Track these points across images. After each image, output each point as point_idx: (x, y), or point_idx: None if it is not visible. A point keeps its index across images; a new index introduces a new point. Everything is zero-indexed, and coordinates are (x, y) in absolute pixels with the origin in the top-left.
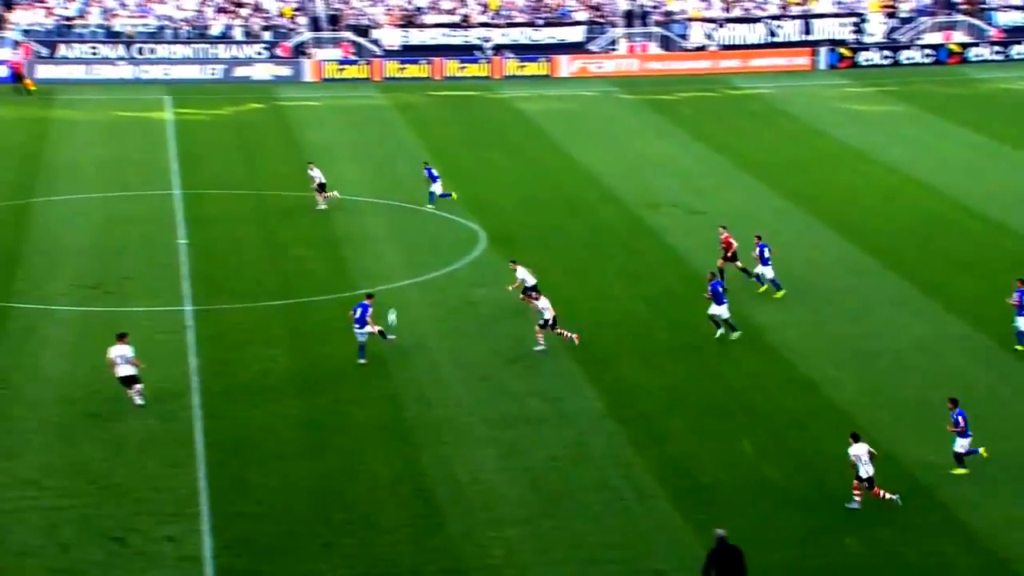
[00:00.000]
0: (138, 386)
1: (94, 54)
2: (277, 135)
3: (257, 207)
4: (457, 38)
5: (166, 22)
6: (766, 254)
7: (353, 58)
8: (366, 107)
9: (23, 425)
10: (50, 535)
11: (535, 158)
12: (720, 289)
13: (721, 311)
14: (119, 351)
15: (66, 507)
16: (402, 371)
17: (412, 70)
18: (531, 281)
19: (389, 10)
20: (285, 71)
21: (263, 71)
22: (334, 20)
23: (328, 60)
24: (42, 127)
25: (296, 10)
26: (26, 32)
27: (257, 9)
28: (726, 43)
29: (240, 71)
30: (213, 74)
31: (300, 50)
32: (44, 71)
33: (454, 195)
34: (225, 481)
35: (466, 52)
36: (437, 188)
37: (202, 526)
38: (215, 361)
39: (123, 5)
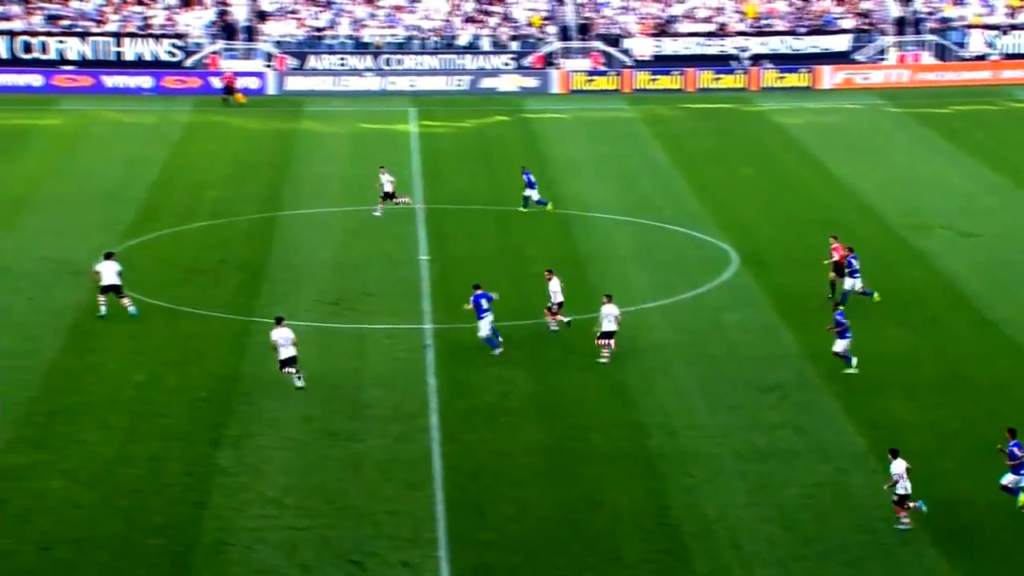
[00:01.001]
0: (295, 368)
1: (342, 65)
2: (522, 149)
3: (500, 223)
4: (712, 47)
5: (414, 32)
6: (855, 265)
7: (603, 69)
8: (614, 120)
9: (265, 442)
10: (291, 556)
11: (792, 174)
12: (845, 320)
13: (843, 345)
14: (280, 334)
15: (306, 527)
16: (646, 398)
17: (664, 81)
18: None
19: (642, 19)
20: (532, 82)
21: (509, 82)
22: (584, 29)
23: (576, 71)
24: (289, 140)
25: (545, 19)
26: (278, 44)
27: (506, 19)
28: (1010, 52)
29: (486, 82)
30: (459, 85)
31: (548, 61)
32: (293, 83)
33: (550, 207)
34: (462, 506)
35: (721, 62)
36: (534, 194)
37: (439, 552)
38: (454, 382)
39: (372, 16)
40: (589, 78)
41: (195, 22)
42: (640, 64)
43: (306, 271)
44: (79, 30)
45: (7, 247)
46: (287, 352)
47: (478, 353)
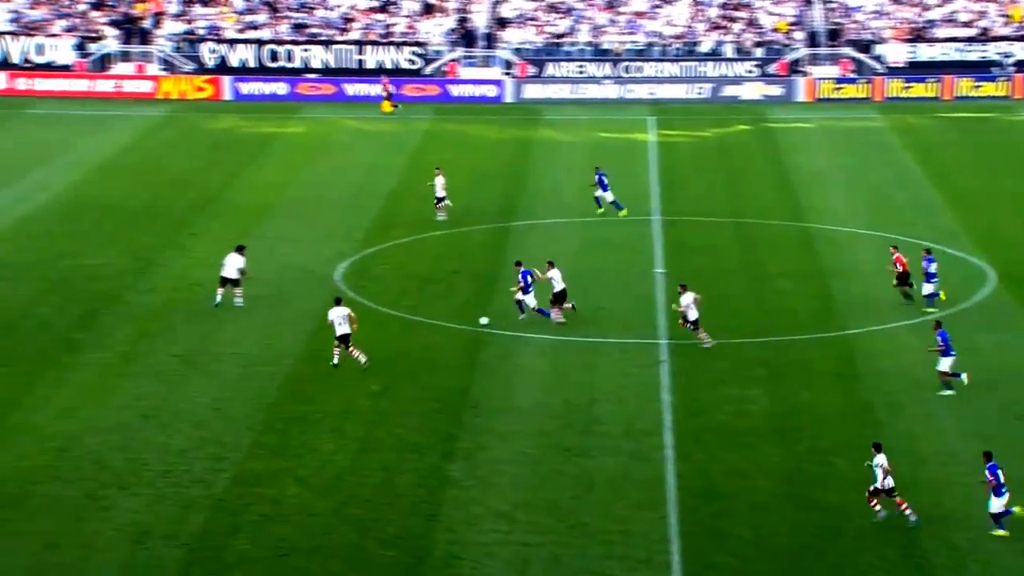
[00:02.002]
0: (349, 346)
1: (580, 73)
2: (764, 159)
3: (740, 236)
4: (972, 53)
5: (655, 39)
6: (932, 269)
7: (852, 76)
8: (863, 129)
9: (496, 455)
10: (521, 572)
11: None
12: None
13: (947, 363)
14: (337, 312)
15: (536, 544)
16: (893, 421)
17: (918, 89)
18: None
19: (896, 24)
20: (776, 90)
21: (752, 90)
22: (833, 35)
23: (824, 78)
24: (526, 149)
25: (792, 25)
26: (516, 51)
27: (751, 24)
28: None
29: (728, 90)
30: (700, 93)
31: (794, 68)
32: (531, 91)
33: (623, 211)
34: (697, 529)
35: (982, 69)
36: (608, 195)
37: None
38: (689, 399)
39: (613, 22)
40: (837, 86)
41: (435, 30)
42: (893, 71)
43: (539, 283)
44: (323, 38)
45: (249, 255)
46: (342, 330)
47: (713, 370)
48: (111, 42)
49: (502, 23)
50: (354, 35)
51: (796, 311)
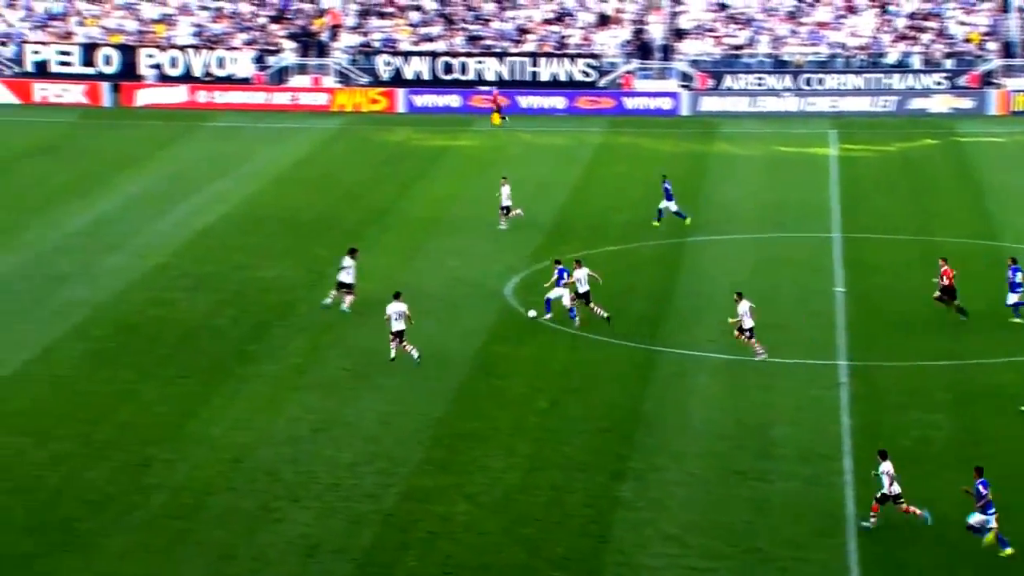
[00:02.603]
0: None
1: (759, 85)
2: (952, 175)
3: (926, 254)
4: None
5: (838, 50)
6: (1018, 279)
7: None
8: None
9: (667, 476)
10: None
11: None
12: None
13: None
14: (395, 308)
15: (708, 569)
16: None
17: None
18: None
19: None
20: (967, 103)
21: (941, 103)
22: None
23: (1019, 91)
24: (701, 162)
25: (985, 35)
26: (693, 63)
27: (940, 35)
28: None
29: (915, 103)
30: (884, 106)
31: (987, 79)
32: (707, 103)
33: (688, 220)
34: (879, 559)
35: None
36: (671, 206)
37: None
38: (869, 423)
39: (794, 33)
40: None
41: (610, 41)
42: None
43: (714, 300)
44: (498, 50)
45: (420, 268)
46: (397, 326)
47: (895, 393)
48: (289, 55)
49: (679, 34)
50: (528, 47)
51: (986, 333)
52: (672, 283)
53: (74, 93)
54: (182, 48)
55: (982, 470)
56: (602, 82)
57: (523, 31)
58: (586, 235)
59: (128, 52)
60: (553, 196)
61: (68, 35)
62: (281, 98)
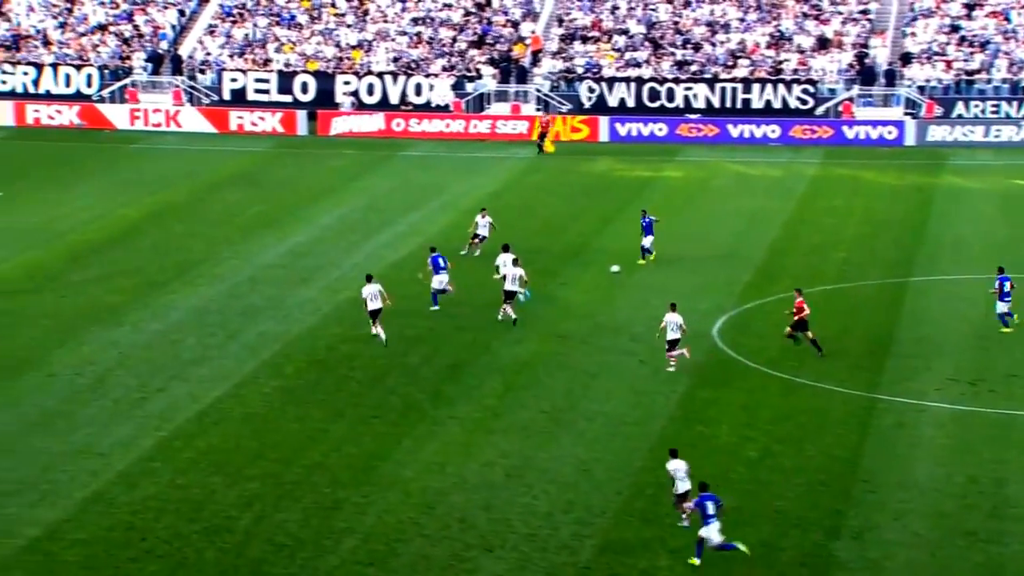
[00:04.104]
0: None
1: (995, 113)
2: None
3: None
4: None
5: None
6: (1007, 288)
7: None
8: None
9: (888, 536)
10: None
11: None
12: None
13: None
14: (370, 290)
15: None
16: None
17: None
18: None
19: None
20: None
21: None
22: None
23: None
24: (927, 196)
25: None
26: (921, 89)
27: None
28: None
29: None
30: None
31: None
32: (936, 132)
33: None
34: None
35: None
36: (646, 242)
37: None
38: None
39: None
40: None
41: (830, 66)
42: None
43: (940, 345)
44: (707, 76)
45: (620, 305)
46: (374, 305)
47: None
48: (489, 81)
49: (906, 59)
50: (741, 72)
51: None
52: (893, 326)
53: (270, 121)
54: (379, 75)
55: (706, 485)
56: (820, 110)
57: (735, 55)
58: (800, 273)
59: (325, 79)
60: (764, 231)
61: (266, 62)
62: (480, 126)
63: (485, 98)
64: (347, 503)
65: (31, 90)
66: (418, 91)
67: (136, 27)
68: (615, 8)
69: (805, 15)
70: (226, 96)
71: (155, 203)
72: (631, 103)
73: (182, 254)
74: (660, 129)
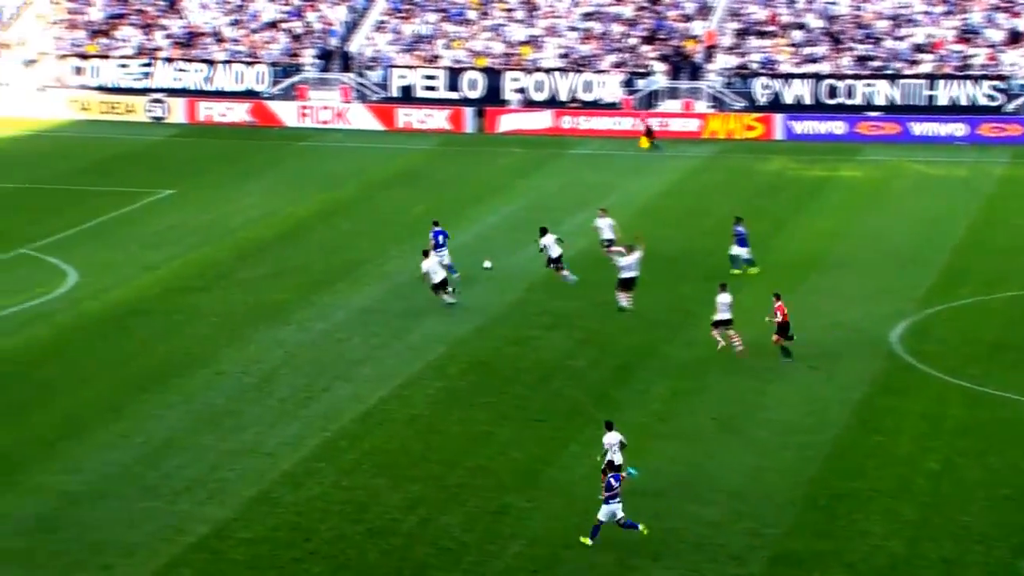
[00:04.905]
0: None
1: None
2: None
3: None
4: None
5: None
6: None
7: None
8: None
9: None
10: None
11: None
12: None
13: None
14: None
15: None
16: None
17: None
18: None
19: None
20: None
21: None
22: None
23: None
24: None
25: None
26: None
27: None
28: None
29: None
30: None
31: None
32: None
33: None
34: None
35: None
36: (744, 252)
37: None
38: None
39: None
40: None
41: (1022, 61)
42: None
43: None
44: (889, 72)
45: (794, 310)
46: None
47: None
48: (660, 78)
49: None
50: (925, 68)
51: None
52: None
53: (437, 119)
54: (548, 71)
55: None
56: (1010, 107)
57: (919, 50)
58: (986, 277)
59: (493, 76)
60: (947, 233)
61: (434, 59)
62: (650, 124)
63: (655, 95)
64: (512, 508)
65: (204, 87)
66: (587, 88)
67: (307, 24)
68: (792, 1)
69: (996, 8)
70: (394, 93)
71: (323, 201)
72: (808, 100)
73: (349, 253)
74: (838, 127)
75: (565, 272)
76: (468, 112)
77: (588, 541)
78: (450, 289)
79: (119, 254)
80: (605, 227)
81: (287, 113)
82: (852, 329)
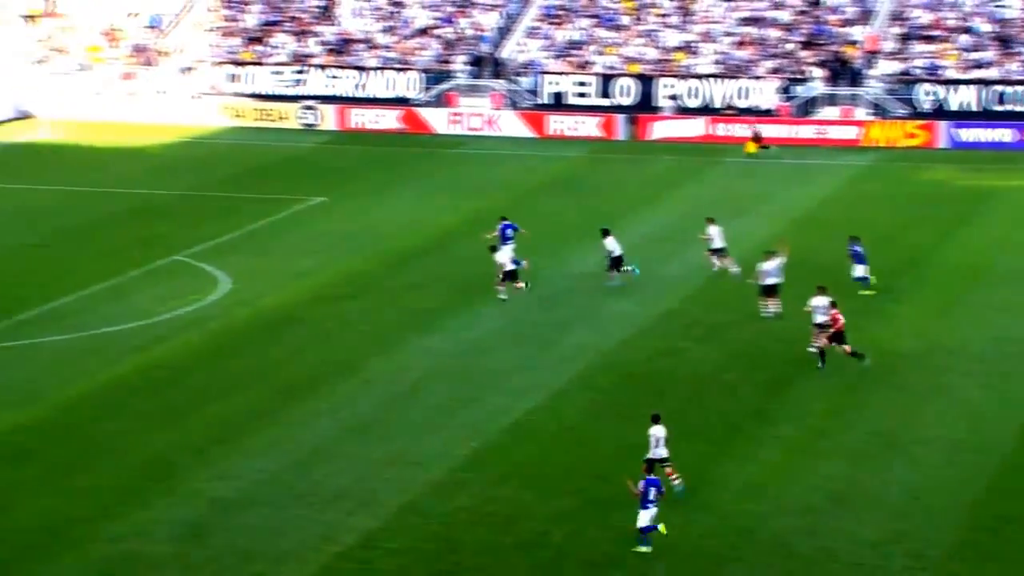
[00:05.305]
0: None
1: None
2: None
3: None
4: None
5: None
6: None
7: None
8: None
9: None
10: None
11: None
12: None
13: None
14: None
15: None
16: None
17: None
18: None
19: None
20: None
21: None
22: None
23: None
24: None
25: None
26: None
27: None
28: None
29: None
30: None
31: None
32: None
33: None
34: None
35: None
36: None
37: None
38: None
39: None
40: None
41: None
42: None
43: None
44: None
45: (958, 324)
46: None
47: None
48: (818, 84)
49: None
50: None
51: None
52: None
53: (588, 126)
54: (702, 77)
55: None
56: None
57: None
58: None
59: (646, 82)
60: None
61: (586, 65)
62: (806, 131)
63: (813, 102)
64: (663, 524)
65: (355, 94)
66: (743, 94)
67: (458, 29)
68: (959, 5)
69: None
70: (545, 100)
71: (472, 209)
72: (974, 107)
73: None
74: (1006, 135)
75: (628, 269)
76: (620, 119)
77: (645, 549)
78: (520, 284)
79: (270, 261)
80: (716, 235)
81: (438, 120)
82: (1021, 343)
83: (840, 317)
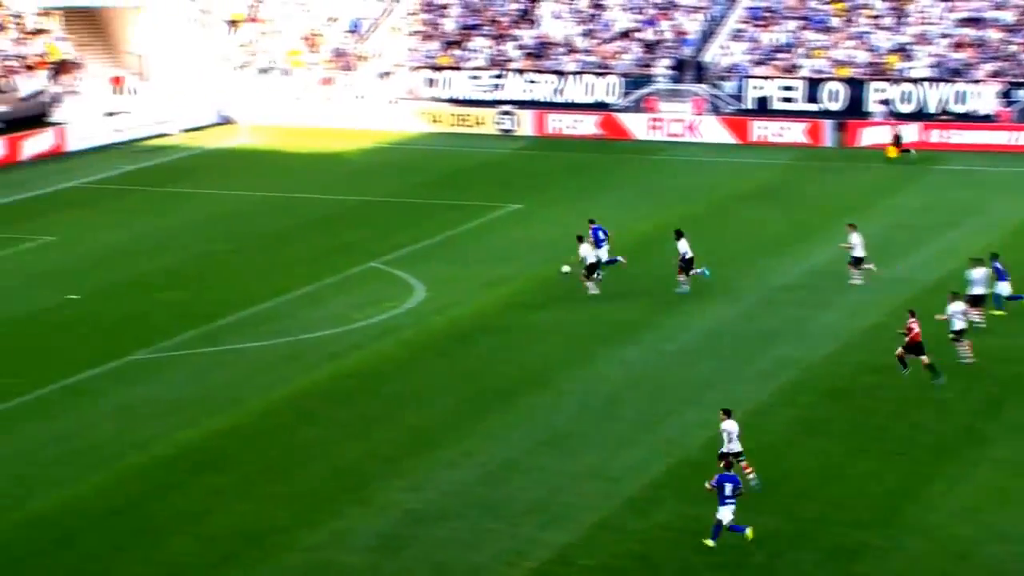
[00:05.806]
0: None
1: None
2: None
3: None
4: None
5: None
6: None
7: None
8: None
9: None
10: None
11: None
12: None
13: None
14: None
15: None
16: None
17: None
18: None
19: None
20: None
21: None
22: None
23: None
24: None
25: None
26: None
27: None
28: None
29: None
30: None
31: None
32: None
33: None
34: None
35: None
36: (1005, 287)
37: None
38: None
39: None
40: None
41: None
42: None
43: None
44: None
45: None
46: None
47: None
48: None
49: None
50: None
51: None
52: None
53: (794, 132)
54: (916, 81)
55: (730, 464)
56: None
57: None
58: None
59: (856, 86)
60: None
61: (793, 68)
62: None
63: None
64: (869, 547)
65: (553, 99)
66: (960, 99)
67: (659, 32)
68: None
69: None
70: (749, 105)
71: (671, 217)
72: None
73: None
74: None
75: (699, 271)
76: (827, 125)
77: (710, 543)
78: (596, 276)
79: (465, 269)
80: (858, 243)
81: (637, 126)
82: None
83: (915, 326)
